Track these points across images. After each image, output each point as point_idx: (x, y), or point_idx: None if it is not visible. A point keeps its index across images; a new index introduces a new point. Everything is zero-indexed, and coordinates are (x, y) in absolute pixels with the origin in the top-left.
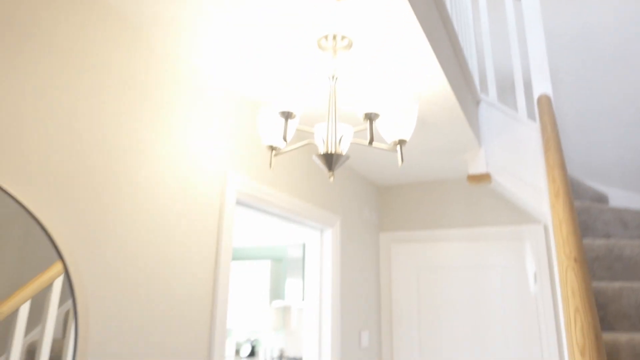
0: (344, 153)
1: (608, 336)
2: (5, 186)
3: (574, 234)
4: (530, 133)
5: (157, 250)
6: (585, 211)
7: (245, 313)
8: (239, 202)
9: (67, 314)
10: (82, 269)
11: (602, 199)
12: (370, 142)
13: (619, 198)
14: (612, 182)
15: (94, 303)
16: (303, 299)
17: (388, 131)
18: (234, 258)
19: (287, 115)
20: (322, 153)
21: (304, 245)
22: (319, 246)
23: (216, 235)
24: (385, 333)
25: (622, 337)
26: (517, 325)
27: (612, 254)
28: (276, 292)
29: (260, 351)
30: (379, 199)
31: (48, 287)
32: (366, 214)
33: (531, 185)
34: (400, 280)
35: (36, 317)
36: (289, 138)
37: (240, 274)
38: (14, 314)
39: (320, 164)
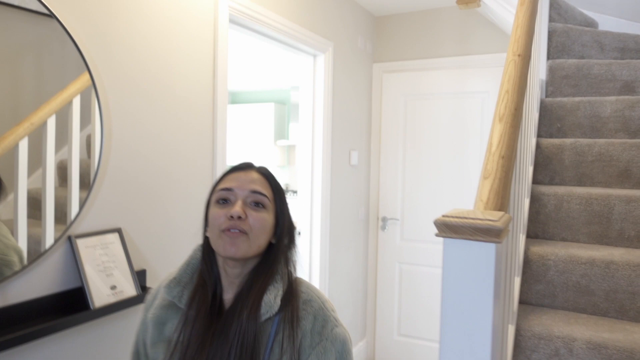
0: None
1: (557, 141)
2: None
3: (525, 36)
4: None
5: (160, 57)
6: (564, 33)
7: (251, 152)
8: (232, 21)
9: (88, 137)
10: (103, 77)
11: (590, 24)
12: None
13: (610, 26)
14: (605, 10)
15: (113, 104)
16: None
17: None
18: (239, 101)
19: None
20: None
21: None
22: (312, 72)
23: (212, 48)
24: (374, 153)
25: (567, 140)
26: None
27: (580, 72)
28: (280, 132)
29: None
30: (374, 29)
31: (69, 105)
32: (360, 43)
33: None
34: (389, 107)
35: (62, 139)
36: None
37: (246, 116)
38: (42, 127)
39: None
